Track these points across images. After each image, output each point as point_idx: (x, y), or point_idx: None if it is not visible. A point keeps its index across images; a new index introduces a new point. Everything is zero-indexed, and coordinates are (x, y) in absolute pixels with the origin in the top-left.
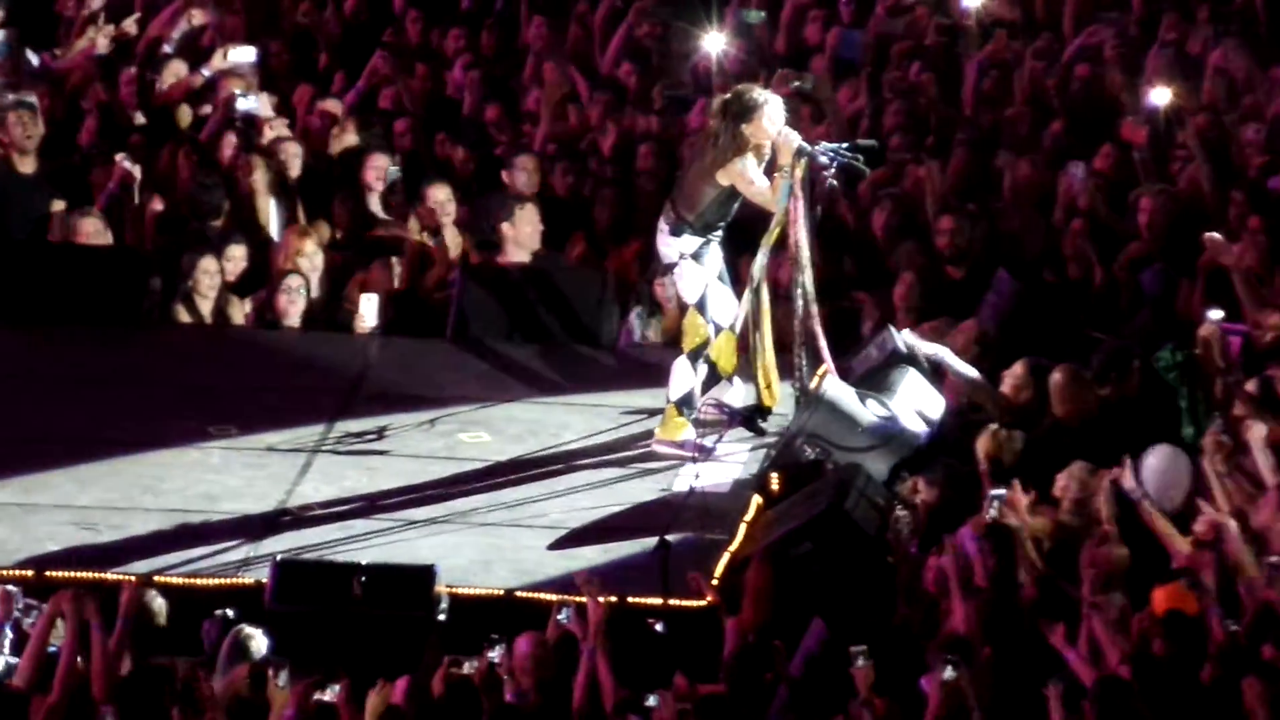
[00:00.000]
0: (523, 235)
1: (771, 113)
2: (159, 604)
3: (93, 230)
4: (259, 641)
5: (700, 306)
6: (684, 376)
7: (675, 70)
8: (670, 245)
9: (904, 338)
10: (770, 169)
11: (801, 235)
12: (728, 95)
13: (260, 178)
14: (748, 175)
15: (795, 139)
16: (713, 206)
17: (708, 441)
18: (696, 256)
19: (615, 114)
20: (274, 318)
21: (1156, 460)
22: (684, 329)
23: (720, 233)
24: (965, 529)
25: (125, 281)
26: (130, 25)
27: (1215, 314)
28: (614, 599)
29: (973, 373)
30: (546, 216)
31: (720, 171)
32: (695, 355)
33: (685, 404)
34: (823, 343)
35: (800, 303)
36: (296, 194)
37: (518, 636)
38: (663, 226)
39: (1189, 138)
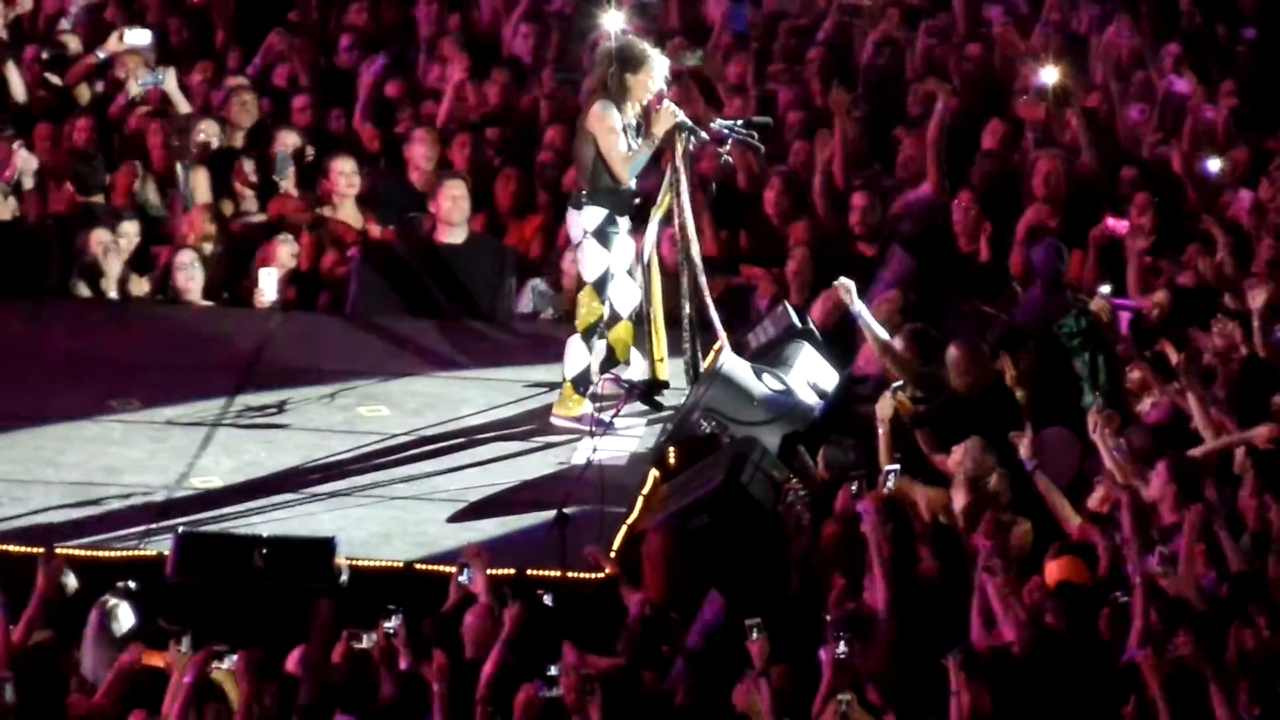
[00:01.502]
0: (446, 211)
1: (658, 68)
2: (70, 580)
3: None
4: (125, 613)
5: (598, 286)
6: (578, 354)
7: (572, 52)
8: (574, 221)
9: (855, 304)
10: (640, 136)
11: (686, 209)
12: (615, 45)
13: (167, 152)
14: (608, 122)
15: (676, 112)
16: (599, 168)
17: (605, 415)
18: (601, 235)
19: (514, 92)
20: (174, 294)
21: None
22: (578, 306)
23: (628, 209)
24: (863, 503)
25: (25, 256)
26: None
27: (1105, 288)
28: (511, 571)
29: (884, 334)
30: None
31: (585, 117)
32: (589, 333)
33: (581, 381)
34: (714, 316)
35: (688, 277)
36: (205, 170)
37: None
38: (570, 205)
39: (1073, 117)
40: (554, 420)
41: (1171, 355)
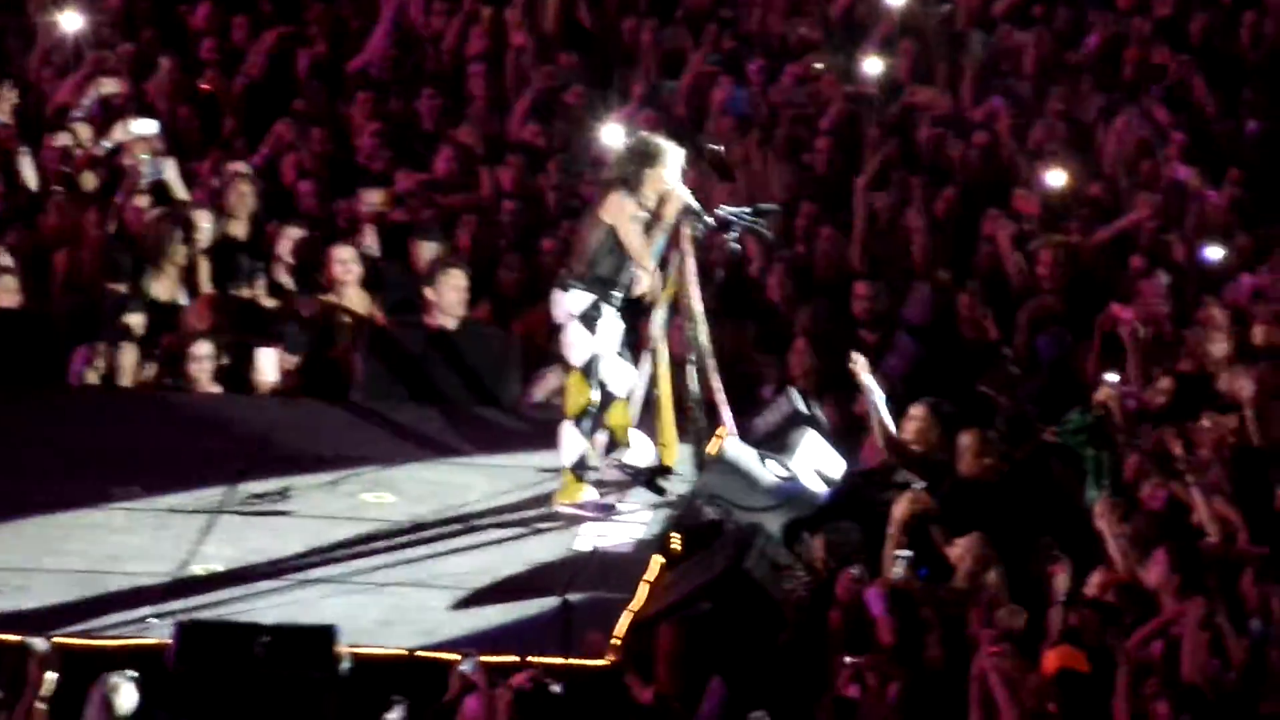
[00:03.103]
0: (446, 301)
1: (673, 161)
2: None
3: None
4: (128, 693)
5: (585, 370)
6: (573, 441)
7: (578, 143)
8: (559, 304)
9: (861, 375)
10: (651, 222)
11: (694, 295)
12: (631, 142)
13: (171, 241)
14: (628, 211)
15: (685, 196)
16: (601, 254)
17: (609, 501)
18: (586, 319)
19: (525, 178)
20: (185, 384)
21: None
22: (567, 392)
23: (616, 298)
24: (872, 589)
25: (30, 344)
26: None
27: (1112, 377)
28: (514, 658)
29: (889, 421)
30: None
31: (602, 207)
32: (580, 418)
33: (580, 467)
34: (721, 402)
35: (695, 362)
36: (208, 260)
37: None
38: (556, 287)
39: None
40: (557, 508)
41: (1174, 447)
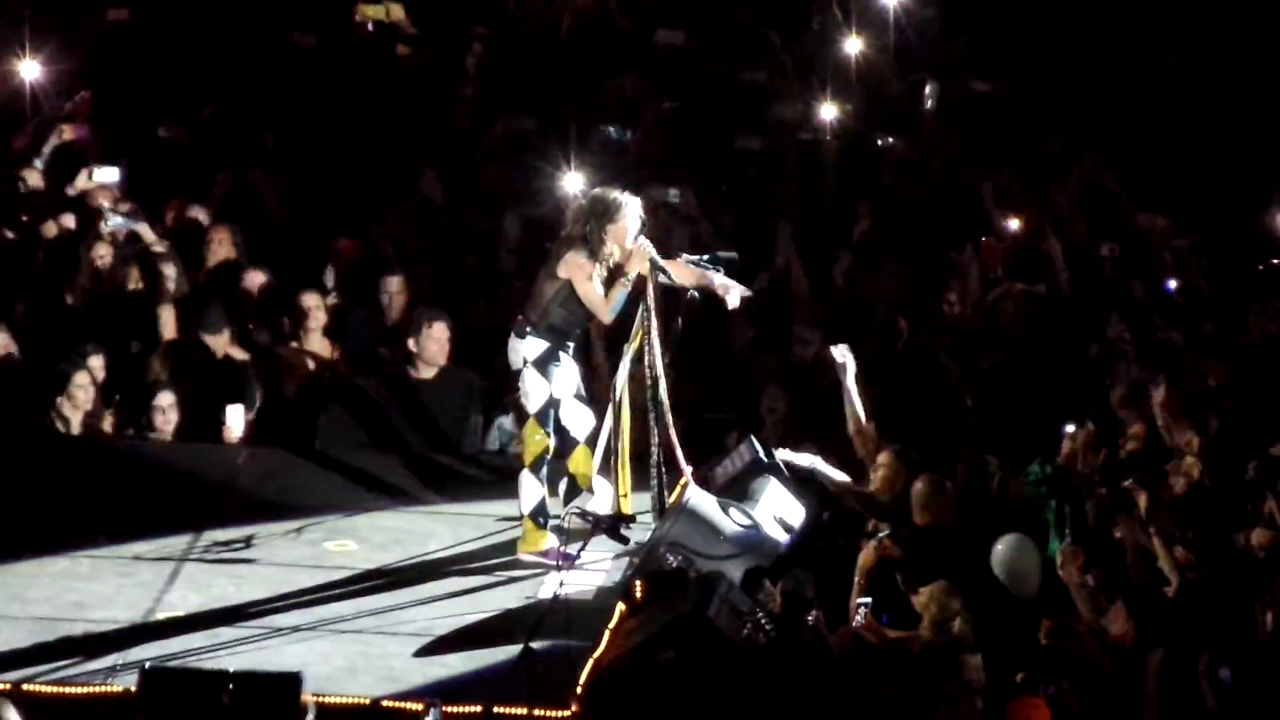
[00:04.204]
0: (429, 353)
1: (632, 213)
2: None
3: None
4: None
5: (540, 417)
6: (530, 488)
7: (533, 193)
8: (514, 350)
9: (778, 455)
10: (614, 276)
11: (655, 345)
12: (587, 198)
13: (136, 289)
14: (586, 271)
15: (649, 249)
16: (555, 305)
17: (571, 549)
18: (541, 365)
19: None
20: (149, 431)
21: (1005, 548)
22: (523, 439)
23: (571, 345)
24: (835, 636)
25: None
26: None
27: (1071, 428)
28: (478, 707)
29: (843, 477)
30: None
31: (560, 264)
32: (536, 466)
33: (539, 514)
34: (679, 452)
35: (655, 413)
36: (175, 308)
37: None
38: (513, 333)
39: (1050, 249)
40: (520, 556)
41: (1139, 499)
